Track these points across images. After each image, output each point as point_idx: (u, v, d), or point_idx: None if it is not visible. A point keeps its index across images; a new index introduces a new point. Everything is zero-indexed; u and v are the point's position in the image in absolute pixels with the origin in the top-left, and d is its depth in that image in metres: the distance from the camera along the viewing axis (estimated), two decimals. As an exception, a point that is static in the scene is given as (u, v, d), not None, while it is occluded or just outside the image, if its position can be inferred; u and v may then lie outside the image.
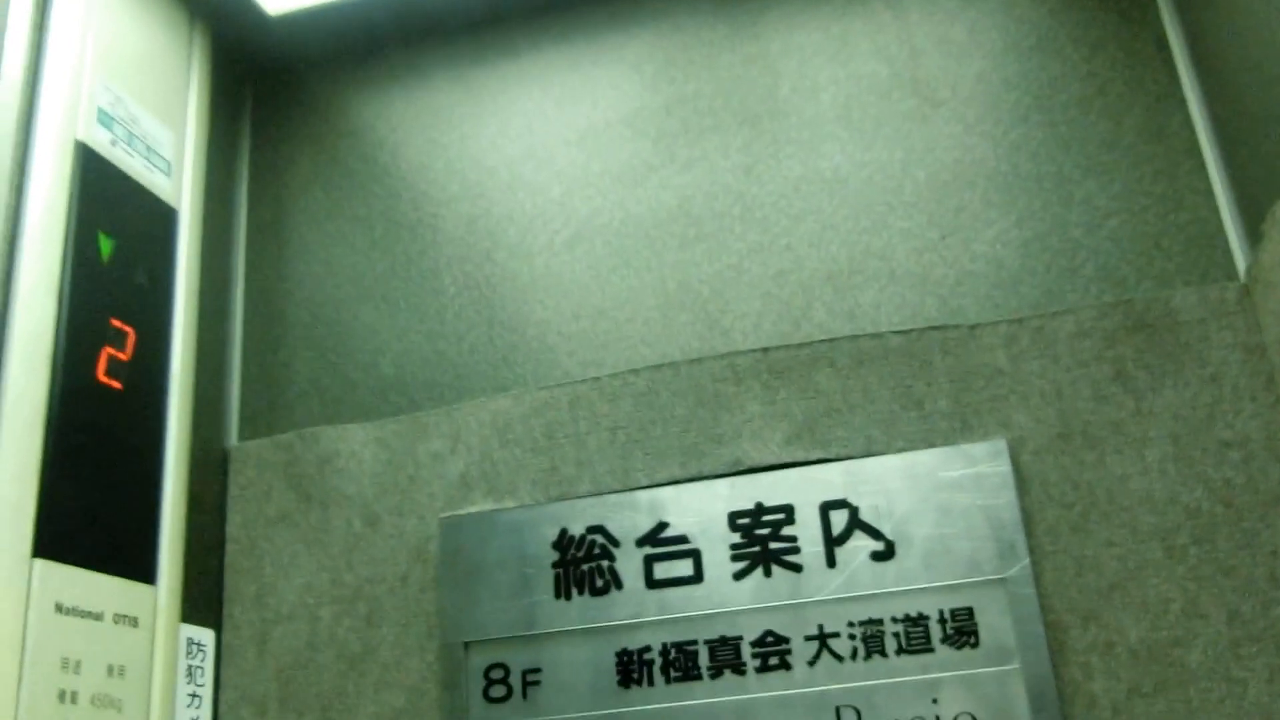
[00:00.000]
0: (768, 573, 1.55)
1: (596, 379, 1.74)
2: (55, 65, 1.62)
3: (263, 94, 2.20)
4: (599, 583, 1.61)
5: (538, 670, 1.60)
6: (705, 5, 2.01)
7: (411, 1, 2.06)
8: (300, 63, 2.19)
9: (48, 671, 1.38)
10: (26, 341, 1.46)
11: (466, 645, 1.63)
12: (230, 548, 1.80)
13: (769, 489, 1.60)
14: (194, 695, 1.66)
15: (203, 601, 1.73)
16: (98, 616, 1.48)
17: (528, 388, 1.80)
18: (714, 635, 1.55)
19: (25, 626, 1.37)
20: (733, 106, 1.92)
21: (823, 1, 1.95)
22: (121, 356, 1.62)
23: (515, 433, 1.75)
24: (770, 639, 1.53)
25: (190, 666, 1.66)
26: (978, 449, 1.55)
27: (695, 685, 1.54)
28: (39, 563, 1.40)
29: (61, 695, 1.40)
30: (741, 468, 1.63)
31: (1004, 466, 1.53)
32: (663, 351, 1.79)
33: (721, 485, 1.62)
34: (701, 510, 1.61)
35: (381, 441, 1.80)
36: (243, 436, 1.92)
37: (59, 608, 1.42)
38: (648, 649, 1.57)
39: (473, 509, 1.71)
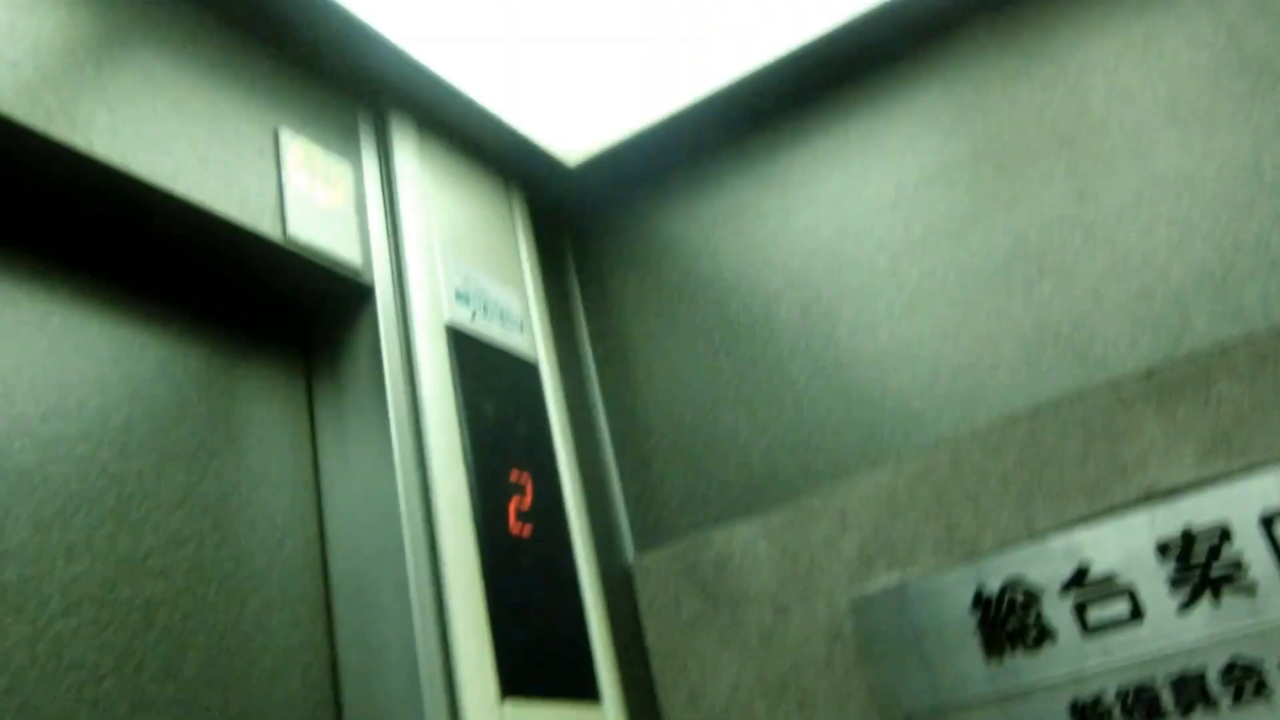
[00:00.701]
0: (1216, 600, 1.46)
1: (973, 434, 1.73)
2: (414, 260, 1.83)
3: (580, 236, 2.40)
4: (1031, 638, 1.57)
5: (987, 736, 1.57)
6: (988, 42, 2.01)
7: (692, 118, 2.19)
8: (606, 200, 2.37)
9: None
10: (450, 511, 1.64)
11: (909, 718, 1.63)
12: (654, 658, 1.91)
13: (1194, 511, 1.51)
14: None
15: (643, 712, 1.83)
16: (569, 741, 1.62)
17: (902, 457, 1.81)
18: (1173, 673, 1.47)
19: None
20: (1044, 135, 1.89)
21: (1114, 8, 1.90)
22: (525, 504, 1.78)
23: (902, 502, 1.76)
24: (1238, 669, 1.43)
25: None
26: None
27: (1163, 728, 1.46)
28: (508, 702, 1.55)
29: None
30: (1157, 493, 1.56)
31: None
32: (1034, 394, 1.75)
33: (1139, 517, 1.55)
34: (1124, 546, 1.54)
35: (771, 534, 1.86)
36: (638, 551, 2.04)
37: (532, 739, 1.56)
38: (1100, 699, 1.51)
39: (878, 584, 1.72)
